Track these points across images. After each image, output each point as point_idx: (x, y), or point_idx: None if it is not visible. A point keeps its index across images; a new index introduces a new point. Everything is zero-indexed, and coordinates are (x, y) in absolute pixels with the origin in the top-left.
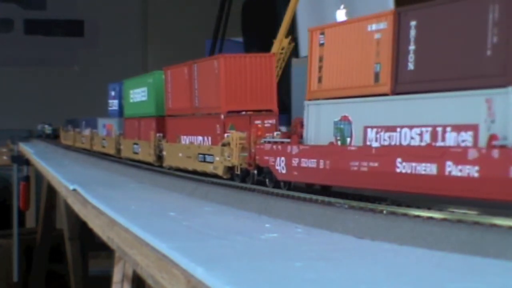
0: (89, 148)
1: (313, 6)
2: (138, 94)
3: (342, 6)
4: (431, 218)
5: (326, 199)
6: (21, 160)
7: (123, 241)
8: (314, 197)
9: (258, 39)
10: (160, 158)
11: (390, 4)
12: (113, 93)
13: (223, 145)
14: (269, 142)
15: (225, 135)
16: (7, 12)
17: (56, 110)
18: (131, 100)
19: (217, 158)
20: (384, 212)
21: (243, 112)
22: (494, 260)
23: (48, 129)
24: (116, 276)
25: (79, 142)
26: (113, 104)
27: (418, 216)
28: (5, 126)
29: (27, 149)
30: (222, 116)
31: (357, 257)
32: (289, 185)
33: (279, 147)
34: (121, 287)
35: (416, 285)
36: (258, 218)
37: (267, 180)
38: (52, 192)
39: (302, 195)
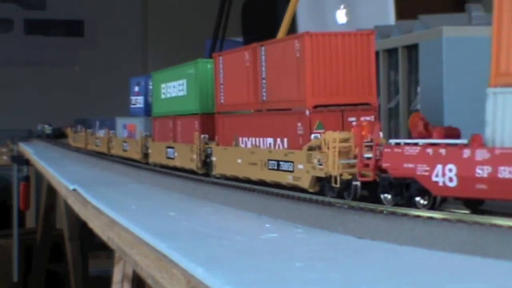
0: (105, 152)
1: (313, 6)
2: (173, 89)
3: (342, 6)
4: (431, 218)
5: (326, 199)
6: (21, 160)
7: (123, 241)
8: (314, 197)
9: (258, 39)
10: (206, 164)
11: (391, 4)
12: (136, 89)
13: (310, 149)
14: (407, 144)
15: (312, 136)
16: (7, 12)
17: (56, 110)
18: (162, 96)
19: (300, 166)
20: (384, 212)
21: (334, 107)
22: (494, 260)
23: (48, 129)
24: (116, 276)
25: (92, 144)
26: (137, 101)
27: (418, 216)
28: (5, 126)
29: (27, 149)
30: (307, 112)
31: (357, 257)
32: (442, 201)
33: (443, 150)
34: (121, 287)
35: (416, 285)
36: (258, 218)
37: (393, 195)
38: (52, 192)
39: (302, 195)
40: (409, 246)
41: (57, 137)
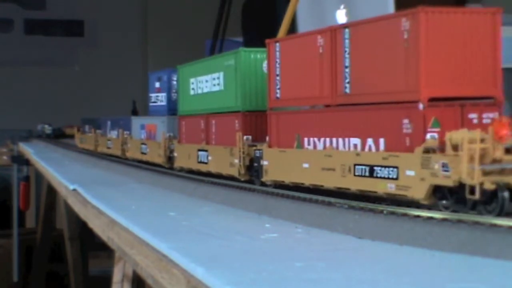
0: (119, 155)
1: (313, 6)
2: (206, 83)
3: (342, 6)
4: (431, 218)
5: (326, 199)
6: (21, 160)
7: (123, 241)
8: (314, 197)
9: (258, 39)
10: (250, 169)
11: (391, 4)
12: (157, 84)
13: (427, 151)
14: None
15: (428, 135)
16: (7, 12)
17: (56, 110)
18: (191, 92)
19: (410, 173)
20: (384, 212)
21: (452, 100)
22: (494, 260)
23: (48, 129)
24: (116, 276)
25: (103, 146)
26: (158, 98)
27: (418, 216)
28: (5, 126)
29: (27, 149)
30: (421, 106)
31: (357, 257)
32: None
33: None
34: (121, 287)
35: (416, 285)
36: (258, 218)
37: None
38: (52, 192)
39: (302, 195)
40: (409, 246)
41: (57, 137)
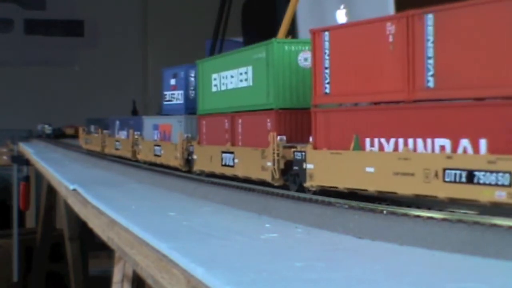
0: (129, 157)
1: (313, 6)
2: (231, 79)
3: (342, 6)
4: (431, 218)
5: (326, 199)
6: (21, 160)
7: (123, 241)
8: (314, 197)
9: (258, 39)
10: (284, 173)
11: (391, 4)
12: (173, 81)
13: None
14: None
15: None
16: (7, 12)
17: (56, 110)
18: (214, 89)
19: None
20: (384, 212)
21: None
22: (494, 260)
23: (48, 129)
24: (116, 276)
25: (111, 147)
26: (174, 96)
27: (418, 216)
28: (5, 126)
29: (27, 149)
30: None
31: (357, 257)
32: None
33: None
34: (121, 287)
35: (416, 285)
36: (258, 218)
37: None
38: (52, 192)
39: (302, 195)
40: (409, 246)
41: (57, 137)
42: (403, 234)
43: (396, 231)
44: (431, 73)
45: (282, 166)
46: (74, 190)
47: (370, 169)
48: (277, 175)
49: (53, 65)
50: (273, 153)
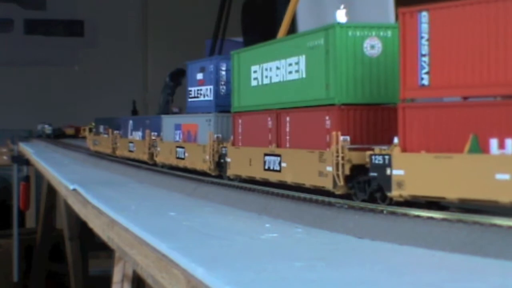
0: (145, 160)
1: (313, 6)
2: (277, 71)
3: (342, 6)
4: (431, 218)
5: (326, 199)
6: (21, 160)
7: (123, 241)
8: (314, 197)
9: (258, 39)
10: (349, 180)
11: (391, 4)
12: (200, 76)
13: None
14: None
15: None
16: (7, 12)
17: (56, 110)
18: (253, 83)
19: None
20: (384, 212)
21: None
22: (494, 260)
23: (48, 129)
24: (116, 276)
25: (124, 149)
26: (201, 92)
27: (418, 216)
28: (5, 126)
29: (27, 149)
30: None
31: (357, 257)
32: None
33: None
34: (121, 287)
35: (416, 285)
36: (258, 218)
37: None
38: (52, 192)
39: (302, 195)
40: (409, 246)
41: (57, 137)
42: (403, 234)
43: (396, 231)
44: None
45: (347, 172)
46: (74, 190)
47: (504, 176)
48: (341, 182)
49: (53, 65)
50: (336, 156)
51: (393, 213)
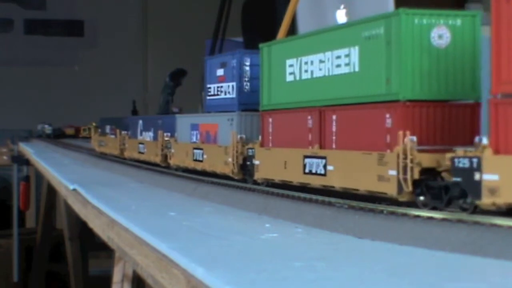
0: (157, 162)
1: (313, 6)
2: (320, 65)
3: (342, 6)
4: (431, 218)
5: (326, 199)
6: (21, 160)
7: (123, 241)
8: (314, 197)
9: (258, 39)
10: (417, 185)
11: (391, 5)
12: (220, 72)
13: None
14: None
15: None
16: (7, 12)
17: (56, 110)
18: (289, 79)
19: None
20: (384, 212)
21: None
22: (494, 260)
23: (48, 129)
24: (116, 276)
25: (133, 151)
26: (222, 89)
27: (418, 216)
28: (5, 126)
29: (27, 149)
30: None
31: (357, 257)
32: None
33: None
34: (121, 287)
35: (416, 285)
36: (258, 218)
37: None
38: (52, 192)
39: (302, 195)
40: (409, 246)
41: (57, 137)
42: (403, 234)
43: (396, 231)
44: None
45: (416, 176)
46: (74, 190)
47: None
48: (409, 188)
49: (53, 65)
50: (404, 159)
51: (393, 213)
